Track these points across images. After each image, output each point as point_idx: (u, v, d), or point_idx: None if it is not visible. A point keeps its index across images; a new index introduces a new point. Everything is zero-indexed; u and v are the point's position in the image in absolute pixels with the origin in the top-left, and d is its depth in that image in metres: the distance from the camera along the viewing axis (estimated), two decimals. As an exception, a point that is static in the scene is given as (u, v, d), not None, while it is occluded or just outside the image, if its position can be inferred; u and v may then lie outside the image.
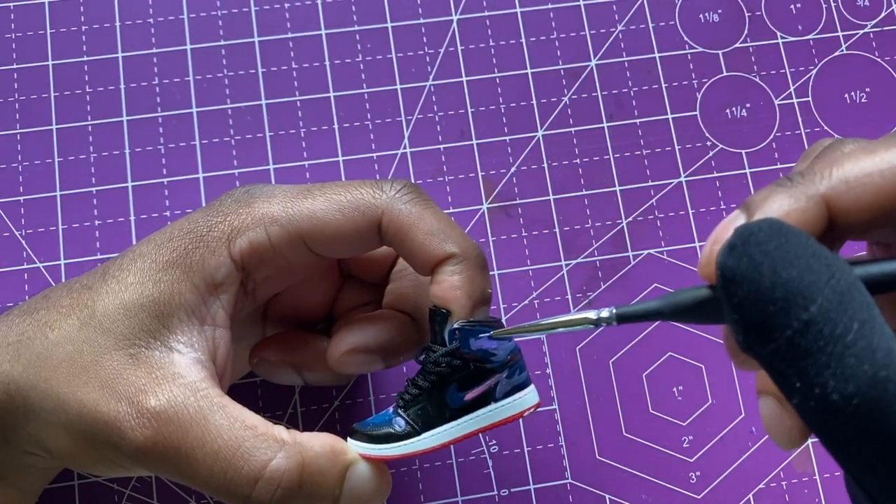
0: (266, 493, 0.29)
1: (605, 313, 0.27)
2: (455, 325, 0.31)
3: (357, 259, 0.37)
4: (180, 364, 0.30)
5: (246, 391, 0.41)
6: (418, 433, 0.31)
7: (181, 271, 0.31)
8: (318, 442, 0.30)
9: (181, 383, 0.30)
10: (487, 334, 0.31)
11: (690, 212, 0.45)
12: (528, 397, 0.33)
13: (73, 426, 0.30)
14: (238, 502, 0.29)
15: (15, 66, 0.44)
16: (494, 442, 0.41)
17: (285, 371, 0.36)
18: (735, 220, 0.25)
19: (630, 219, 0.45)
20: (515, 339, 0.32)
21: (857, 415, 0.20)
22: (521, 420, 0.41)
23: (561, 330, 0.28)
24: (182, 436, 0.29)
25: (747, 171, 0.46)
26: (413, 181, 0.44)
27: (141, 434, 0.29)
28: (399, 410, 0.32)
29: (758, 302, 0.22)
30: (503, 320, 0.43)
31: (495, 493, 0.41)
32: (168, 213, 0.43)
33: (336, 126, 0.45)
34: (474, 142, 0.45)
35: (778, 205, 0.25)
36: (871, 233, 0.26)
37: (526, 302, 0.43)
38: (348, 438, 0.32)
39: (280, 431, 0.30)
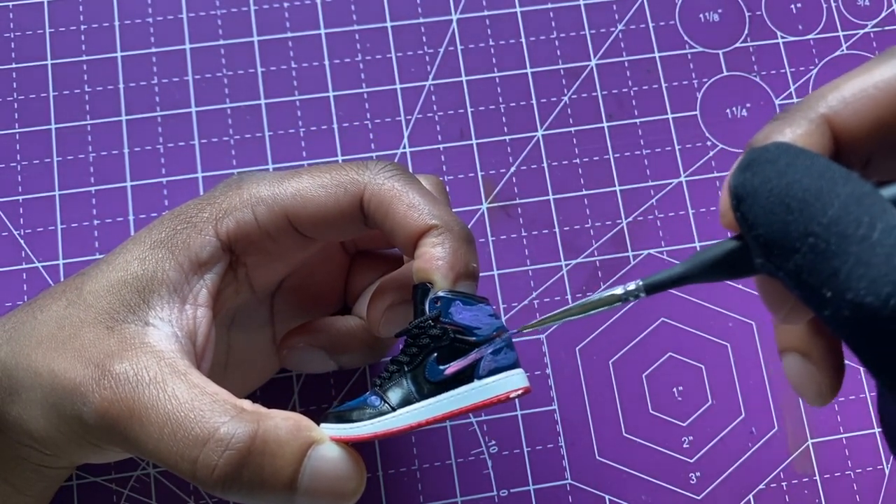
0: (214, 455, 0.27)
1: (631, 286, 0.26)
2: (438, 294, 0.30)
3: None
4: (153, 336, 0.30)
5: (245, 391, 0.41)
6: (393, 410, 0.29)
7: (167, 250, 0.31)
8: (282, 415, 0.28)
9: (148, 351, 0.29)
10: (477, 309, 0.30)
11: (690, 212, 0.45)
12: (515, 378, 0.30)
13: (47, 400, 0.30)
14: (186, 468, 0.28)
15: (14, 66, 0.44)
16: (494, 442, 0.41)
17: (317, 355, 0.35)
18: None
19: (630, 219, 0.45)
20: (536, 325, 0.30)
21: None
22: (520, 419, 0.41)
23: (592, 312, 0.27)
24: (137, 397, 0.28)
25: (747, 171, 0.45)
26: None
27: (100, 395, 0.28)
28: (375, 390, 0.30)
29: (775, 212, 0.22)
30: (502, 320, 0.43)
31: (495, 493, 0.41)
32: (167, 213, 0.43)
33: (335, 126, 0.45)
34: (474, 141, 0.45)
35: (780, 136, 0.25)
36: (877, 157, 0.26)
37: (526, 302, 0.43)
38: (321, 424, 0.29)
39: (244, 402, 0.29)
